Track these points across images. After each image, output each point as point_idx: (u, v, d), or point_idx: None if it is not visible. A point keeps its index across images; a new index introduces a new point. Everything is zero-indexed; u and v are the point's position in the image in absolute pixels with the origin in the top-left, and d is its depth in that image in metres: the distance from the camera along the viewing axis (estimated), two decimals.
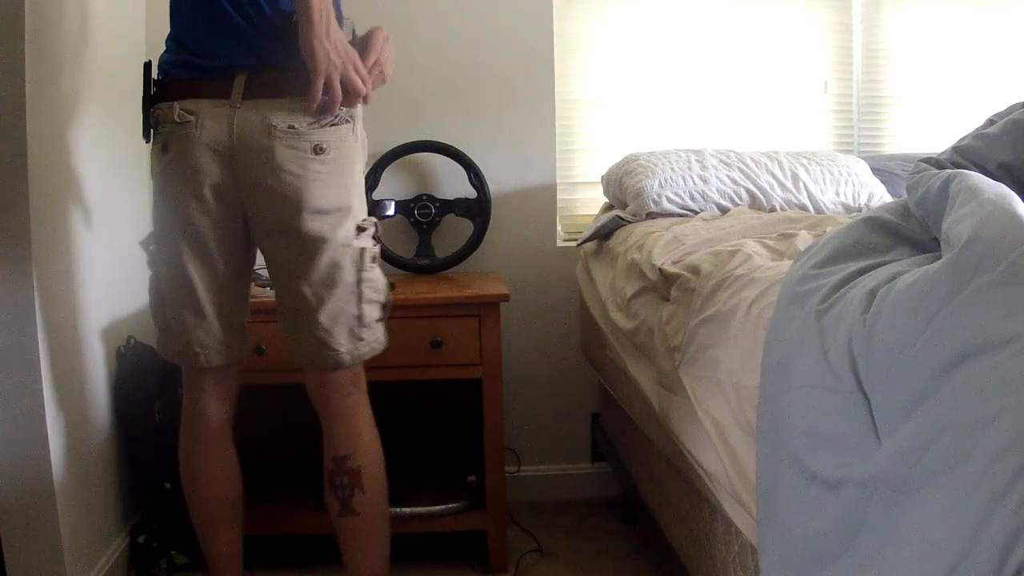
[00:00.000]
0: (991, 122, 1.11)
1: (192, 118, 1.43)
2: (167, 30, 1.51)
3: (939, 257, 0.78)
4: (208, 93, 1.43)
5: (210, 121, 1.42)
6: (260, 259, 2.38)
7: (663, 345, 1.45)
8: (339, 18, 1.45)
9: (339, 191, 1.47)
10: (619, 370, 1.80)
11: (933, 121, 2.73)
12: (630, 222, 2.09)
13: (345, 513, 1.54)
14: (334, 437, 1.55)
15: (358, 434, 1.54)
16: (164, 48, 1.51)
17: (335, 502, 1.55)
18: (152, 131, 1.50)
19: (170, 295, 1.52)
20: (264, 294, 2.02)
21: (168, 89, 1.47)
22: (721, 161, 2.17)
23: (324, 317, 1.48)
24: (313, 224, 1.44)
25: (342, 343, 1.50)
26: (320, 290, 1.47)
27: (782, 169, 2.16)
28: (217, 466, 1.61)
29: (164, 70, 1.49)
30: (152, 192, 1.53)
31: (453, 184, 2.47)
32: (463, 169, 2.42)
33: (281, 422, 2.33)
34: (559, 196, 2.57)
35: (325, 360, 1.51)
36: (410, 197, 2.44)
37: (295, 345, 1.55)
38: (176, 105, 1.44)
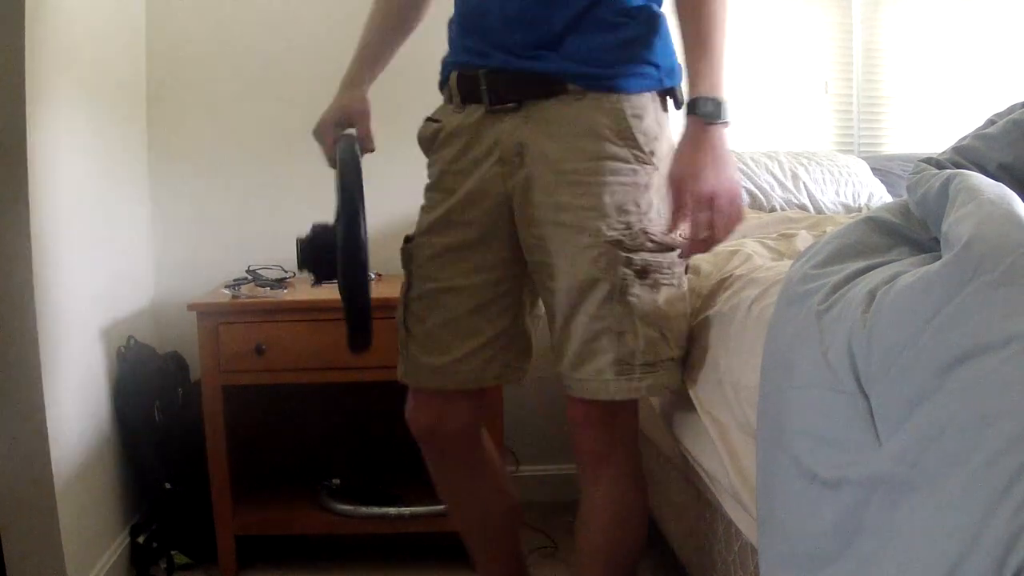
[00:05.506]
0: (991, 122, 1.11)
1: None
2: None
3: (939, 257, 0.78)
4: None
5: None
6: (256, 258, 2.37)
7: None
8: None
9: None
10: None
11: (933, 121, 2.73)
12: None
13: None
14: None
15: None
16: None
17: None
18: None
19: None
20: (264, 294, 2.02)
21: None
22: None
23: None
24: None
25: None
26: None
27: (782, 169, 2.16)
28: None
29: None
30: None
31: None
32: None
33: (281, 422, 2.33)
34: None
35: None
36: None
37: None
38: None
